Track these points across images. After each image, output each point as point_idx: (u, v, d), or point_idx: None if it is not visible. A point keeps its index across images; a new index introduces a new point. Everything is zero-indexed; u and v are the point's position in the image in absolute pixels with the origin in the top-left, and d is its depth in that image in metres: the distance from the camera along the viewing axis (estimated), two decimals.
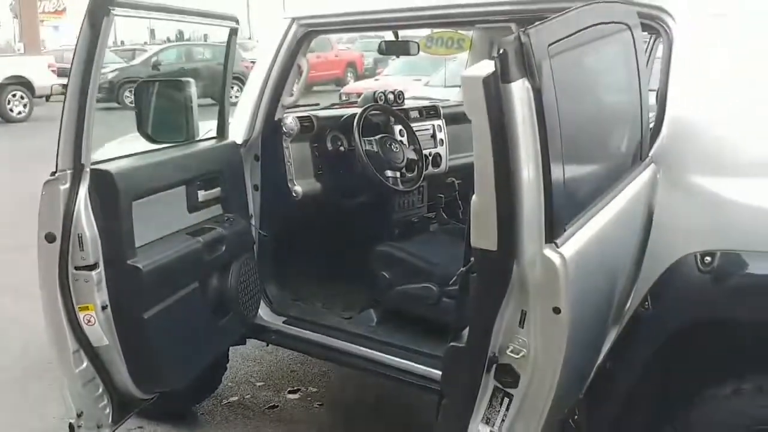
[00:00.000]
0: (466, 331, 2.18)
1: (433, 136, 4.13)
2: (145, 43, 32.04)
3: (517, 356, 2.04)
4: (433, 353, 3.07)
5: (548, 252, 1.92)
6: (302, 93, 3.51)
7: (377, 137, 3.62)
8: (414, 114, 4.07)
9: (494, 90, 1.82)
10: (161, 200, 2.84)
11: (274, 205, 3.50)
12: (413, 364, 3.10)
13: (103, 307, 2.59)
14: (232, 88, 3.53)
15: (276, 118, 3.44)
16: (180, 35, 34.60)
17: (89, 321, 2.57)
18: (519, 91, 1.82)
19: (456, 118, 4.31)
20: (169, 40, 33.10)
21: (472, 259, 2.09)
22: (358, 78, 23.46)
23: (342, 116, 3.72)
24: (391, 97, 4.04)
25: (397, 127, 3.89)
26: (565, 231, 1.99)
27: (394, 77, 14.94)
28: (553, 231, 1.93)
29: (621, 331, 2.49)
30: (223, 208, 3.23)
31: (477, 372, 2.09)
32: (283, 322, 3.50)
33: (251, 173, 3.46)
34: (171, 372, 2.87)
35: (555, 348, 2.01)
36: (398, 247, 3.46)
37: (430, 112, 4.17)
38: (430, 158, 4.00)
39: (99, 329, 2.59)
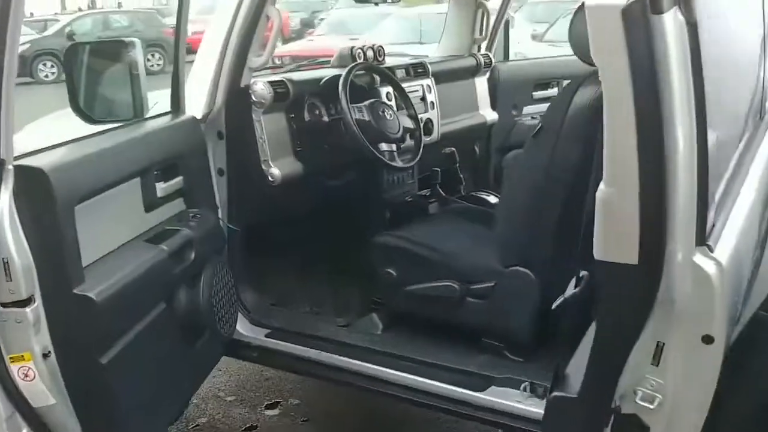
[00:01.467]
0: (569, 372, 1.58)
1: (423, 98, 3.50)
2: (56, 13, 30.39)
3: (650, 405, 1.45)
4: (457, 367, 2.51)
5: (700, 259, 1.34)
6: (273, 51, 2.83)
7: (367, 103, 2.97)
8: (400, 73, 3.43)
9: (641, 23, 1.21)
10: (111, 199, 2.13)
11: (245, 193, 2.84)
12: (433, 382, 2.52)
13: (45, 355, 1.89)
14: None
15: (242, 85, 2.75)
16: (92, 3, 32.98)
17: (26, 375, 1.87)
18: (673, 25, 1.21)
19: (443, 77, 3.69)
20: (80, 9, 31.49)
21: (583, 274, 1.49)
22: (285, 41, 22.47)
23: (320, 79, 3.04)
24: (370, 54, 3.38)
25: (384, 90, 3.25)
26: (714, 226, 1.40)
27: (328, 37, 14.14)
28: (704, 228, 1.34)
29: (733, 343, 1.93)
30: (187, 202, 2.55)
31: (594, 429, 1.50)
32: (266, 336, 2.86)
33: (214, 154, 2.78)
34: (141, 428, 2.20)
35: (702, 391, 1.43)
36: (402, 236, 2.83)
37: (417, 70, 3.53)
38: (422, 125, 3.37)
39: (40, 385, 1.89)
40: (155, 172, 2.34)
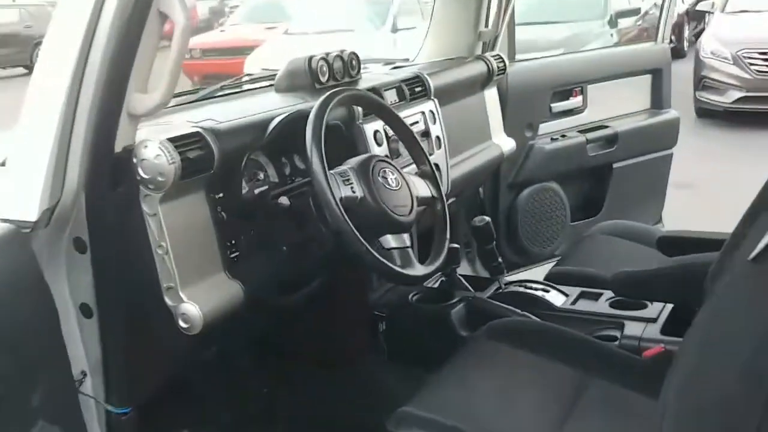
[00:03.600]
0: None
1: (426, 133, 2.18)
2: None
3: None
4: None
5: None
6: (176, 82, 1.45)
7: (355, 164, 1.62)
8: (390, 96, 2.09)
9: None
10: None
11: (135, 350, 1.49)
12: None
13: None
14: None
15: (119, 149, 1.39)
16: None
17: None
18: None
19: (448, 95, 2.40)
20: None
21: None
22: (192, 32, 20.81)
23: (265, 122, 1.68)
24: (339, 65, 2.04)
25: (371, 128, 1.92)
26: None
27: (244, 27, 12.63)
28: None
29: None
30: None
31: None
32: None
33: (71, 281, 1.42)
34: None
35: None
36: (449, 414, 1.51)
37: (415, 89, 2.19)
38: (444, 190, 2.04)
39: None
40: None
